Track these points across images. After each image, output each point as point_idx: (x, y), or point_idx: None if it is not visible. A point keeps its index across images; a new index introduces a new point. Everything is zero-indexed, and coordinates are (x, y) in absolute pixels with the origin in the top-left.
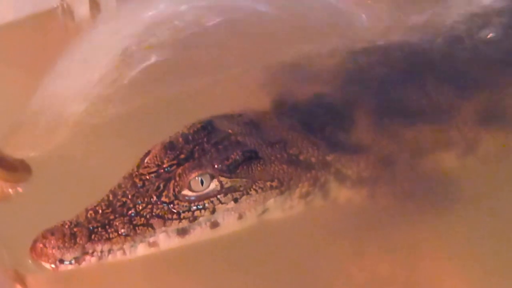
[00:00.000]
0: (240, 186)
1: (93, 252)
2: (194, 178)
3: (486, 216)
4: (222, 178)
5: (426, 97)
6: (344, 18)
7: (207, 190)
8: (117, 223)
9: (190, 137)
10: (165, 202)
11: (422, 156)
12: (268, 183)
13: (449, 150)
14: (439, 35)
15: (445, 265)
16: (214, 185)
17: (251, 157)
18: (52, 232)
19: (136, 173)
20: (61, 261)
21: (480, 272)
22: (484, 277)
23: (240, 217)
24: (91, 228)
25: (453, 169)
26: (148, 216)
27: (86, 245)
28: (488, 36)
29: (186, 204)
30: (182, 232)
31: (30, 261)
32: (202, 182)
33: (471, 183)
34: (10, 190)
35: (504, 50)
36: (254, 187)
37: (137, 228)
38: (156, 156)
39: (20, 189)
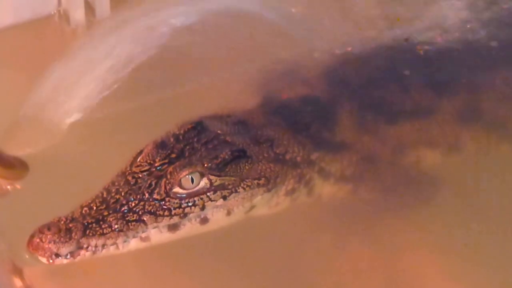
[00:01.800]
0: (229, 184)
1: (87, 247)
2: (185, 176)
3: (466, 210)
4: (211, 176)
5: (408, 97)
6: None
7: (197, 188)
8: (110, 219)
9: (181, 137)
10: (156, 199)
11: (404, 153)
12: (256, 181)
13: (430, 147)
14: (420, 37)
15: (425, 258)
16: (203, 183)
17: (240, 156)
18: (48, 227)
19: (129, 171)
20: (57, 255)
21: (460, 264)
22: (464, 269)
23: (229, 213)
24: (86, 223)
25: (433, 165)
26: (140, 212)
27: (81, 240)
28: (468, 38)
29: (177, 201)
30: (173, 227)
31: (27, 255)
32: (192, 180)
33: (451, 179)
34: (8, 187)
35: (483, 51)
36: (242, 185)
37: (129, 223)
38: (148, 155)
39: (17, 186)
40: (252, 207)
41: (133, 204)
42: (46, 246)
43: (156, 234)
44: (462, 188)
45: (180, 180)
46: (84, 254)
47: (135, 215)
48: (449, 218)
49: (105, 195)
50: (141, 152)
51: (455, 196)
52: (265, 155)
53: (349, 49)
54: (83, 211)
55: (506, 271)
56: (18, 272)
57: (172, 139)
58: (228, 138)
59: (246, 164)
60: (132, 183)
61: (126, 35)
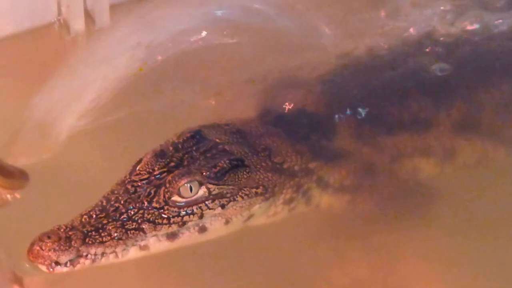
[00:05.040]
0: (227, 192)
1: (87, 255)
2: (184, 185)
3: (463, 220)
4: (210, 185)
5: (405, 107)
6: (323, 35)
7: (195, 196)
8: (110, 227)
9: (180, 146)
10: (155, 208)
11: (402, 163)
12: (254, 190)
13: (428, 157)
14: (417, 46)
15: (423, 268)
16: (202, 191)
17: (238, 165)
18: (48, 235)
19: (129, 179)
20: (57, 263)
21: (457, 273)
22: (461, 278)
23: (227, 222)
24: (85, 232)
25: (431, 175)
26: (139, 221)
27: (80, 248)
28: (465, 46)
29: (175, 209)
30: (172, 236)
31: (27, 264)
32: (191, 189)
33: (448, 188)
34: (8, 196)
35: (480, 60)
36: (240, 193)
37: (129, 232)
38: (147, 164)
39: (18, 196)
40: (250, 216)
41: (132, 213)
42: (46, 254)
43: (155, 242)
44: (459, 197)
45: (179, 188)
46: (83, 262)
47: (134, 224)
48: (446, 227)
49: (104, 204)
50: (140, 160)
51: (452, 205)
52: (263, 164)
53: (347, 59)
54: (83, 220)
55: (503, 280)
56: (18, 281)
57: (171, 148)
58: (226, 147)
59: (244, 173)
60: (131, 191)
61: (126, 44)
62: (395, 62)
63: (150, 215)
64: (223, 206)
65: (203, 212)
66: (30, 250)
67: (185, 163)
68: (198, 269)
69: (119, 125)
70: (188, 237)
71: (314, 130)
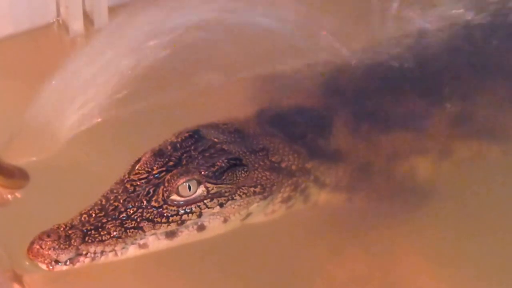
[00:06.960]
0: (225, 191)
1: (86, 254)
2: (182, 184)
3: (460, 217)
4: (208, 184)
5: (401, 106)
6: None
7: (194, 195)
8: (109, 226)
9: (178, 145)
10: (154, 207)
11: (398, 162)
12: (252, 189)
13: (424, 156)
14: (412, 46)
15: (420, 264)
16: (200, 190)
17: (236, 164)
18: (48, 234)
19: (128, 179)
20: (56, 262)
21: (454, 270)
22: (458, 276)
23: (225, 220)
24: (85, 230)
25: (427, 173)
26: (138, 220)
27: (80, 247)
28: (460, 46)
29: (174, 208)
30: (171, 234)
31: (27, 262)
32: (189, 188)
33: (444, 186)
34: (8, 196)
35: (475, 59)
36: (238, 192)
37: (128, 230)
38: (146, 163)
39: (18, 195)
40: (248, 214)
41: (131, 212)
42: (46, 252)
43: (154, 241)
44: (455, 195)
45: (178, 187)
46: (83, 260)
47: (133, 222)
48: (443, 225)
49: (104, 203)
50: (139, 160)
51: (448, 203)
52: (261, 163)
53: (345, 59)
54: (82, 218)
55: (499, 277)
56: (18, 279)
57: (169, 147)
58: (224, 147)
59: (242, 172)
60: (130, 190)
61: (126, 44)
62: (391, 62)
63: (149, 214)
64: (221, 205)
65: (202, 210)
66: (30, 249)
67: (184, 162)
68: (196, 267)
69: (119, 125)
70: (187, 235)
71: (311, 130)
